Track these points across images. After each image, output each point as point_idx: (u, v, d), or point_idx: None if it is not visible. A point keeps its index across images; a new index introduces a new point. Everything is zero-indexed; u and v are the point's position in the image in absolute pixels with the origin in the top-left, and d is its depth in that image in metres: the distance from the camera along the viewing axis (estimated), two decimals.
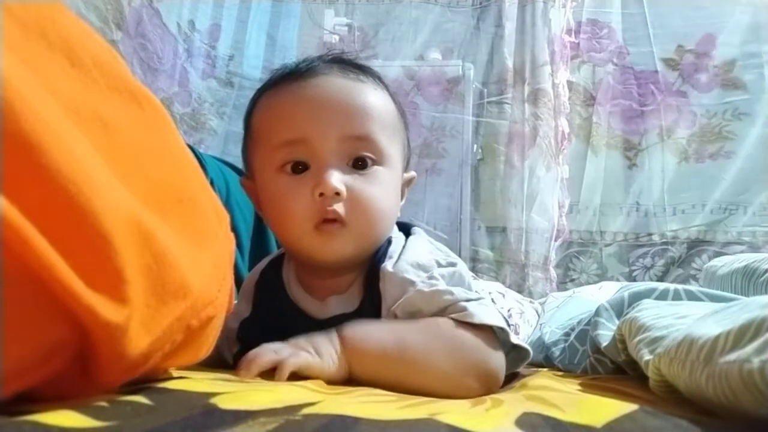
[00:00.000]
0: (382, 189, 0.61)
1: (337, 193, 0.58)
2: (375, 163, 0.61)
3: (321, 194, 0.58)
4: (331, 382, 0.52)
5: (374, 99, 0.63)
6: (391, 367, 0.53)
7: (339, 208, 0.58)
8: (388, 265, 0.60)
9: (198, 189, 0.43)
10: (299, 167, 0.60)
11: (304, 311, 0.63)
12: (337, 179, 0.58)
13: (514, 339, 0.57)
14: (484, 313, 0.56)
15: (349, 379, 0.54)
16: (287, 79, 0.63)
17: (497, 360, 0.56)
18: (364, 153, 0.60)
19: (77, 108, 0.32)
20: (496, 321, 0.56)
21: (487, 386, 0.54)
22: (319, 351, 0.53)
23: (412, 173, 0.71)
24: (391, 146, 0.63)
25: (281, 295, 0.65)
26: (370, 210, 0.59)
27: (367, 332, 0.55)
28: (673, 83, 1.71)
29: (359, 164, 0.60)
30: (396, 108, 0.66)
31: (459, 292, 0.57)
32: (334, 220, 0.58)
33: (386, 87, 0.67)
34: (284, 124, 0.60)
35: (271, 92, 0.64)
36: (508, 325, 0.61)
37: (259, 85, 0.67)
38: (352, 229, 0.59)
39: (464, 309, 0.56)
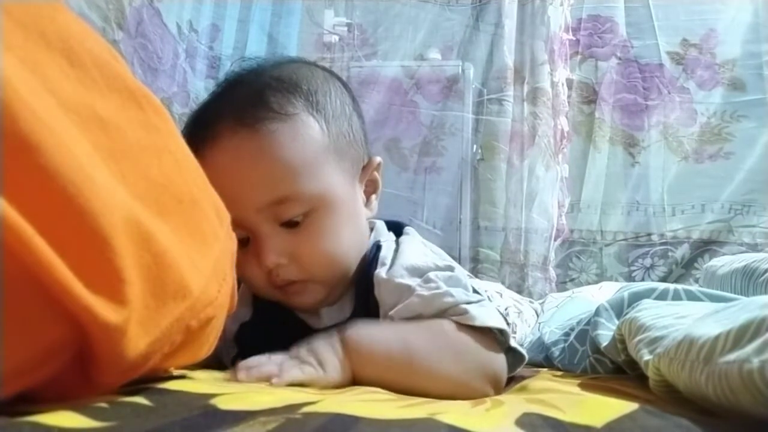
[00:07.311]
0: (325, 234, 0.59)
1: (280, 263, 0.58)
2: (307, 214, 0.58)
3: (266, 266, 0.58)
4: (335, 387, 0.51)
5: (278, 148, 0.57)
6: (397, 370, 0.53)
7: (288, 273, 0.58)
8: (381, 272, 0.60)
9: (199, 189, 0.43)
10: (242, 241, 0.57)
11: (302, 319, 0.63)
12: (273, 252, 0.57)
13: (512, 342, 0.57)
14: (485, 315, 0.56)
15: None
16: (192, 147, 0.60)
17: (500, 362, 0.56)
18: (288, 215, 0.58)
19: (76, 108, 0.32)
20: (497, 323, 0.56)
21: (492, 389, 0.54)
22: (323, 362, 0.52)
23: (377, 159, 0.67)
24: (320, 180, 0.58)
25: (279, 302, 0.65)
26: (319, 261, 0.59)
27: (371, 335, 0.55)
28: (677, 78, 1.70)
29: (289, 224, 0.58)
30: (316, 118, 0.59)
31: (459, 294, 0.57)
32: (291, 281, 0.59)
33: (298, 94, 0.59)
34: None
35: None
36: (507, 324, 0.61)
37: None
38: (313, 280, 0.60)
39: (465, 312, 0.55)
